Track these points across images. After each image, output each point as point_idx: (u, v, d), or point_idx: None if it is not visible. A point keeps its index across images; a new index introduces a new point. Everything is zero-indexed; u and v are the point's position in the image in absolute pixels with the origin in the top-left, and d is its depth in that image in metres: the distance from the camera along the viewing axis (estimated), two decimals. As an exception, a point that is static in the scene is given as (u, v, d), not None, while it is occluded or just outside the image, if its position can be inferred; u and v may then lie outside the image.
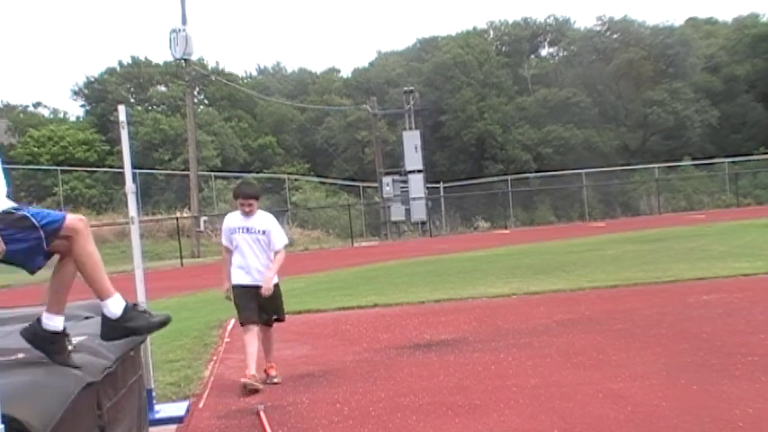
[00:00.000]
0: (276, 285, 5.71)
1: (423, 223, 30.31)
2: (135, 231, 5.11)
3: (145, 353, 4.71)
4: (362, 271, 15.22)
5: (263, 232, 5.62)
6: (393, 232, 30.19)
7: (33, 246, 2.83)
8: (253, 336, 5.60)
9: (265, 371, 5.66)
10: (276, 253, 5.70)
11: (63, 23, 72.32)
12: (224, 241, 5.78)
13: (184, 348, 7.16)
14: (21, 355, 2.93)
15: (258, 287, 5.53)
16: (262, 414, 4.74)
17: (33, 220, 2.79)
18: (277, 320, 5.89)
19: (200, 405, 5.23)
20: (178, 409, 5.01)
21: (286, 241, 5.80)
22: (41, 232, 2.81)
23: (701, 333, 6.20)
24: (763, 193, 33.10)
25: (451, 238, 27.22)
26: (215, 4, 78.84)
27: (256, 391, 5.31)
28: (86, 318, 3.96)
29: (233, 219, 5.70)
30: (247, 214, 5.62)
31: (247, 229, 5.61)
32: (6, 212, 2.78)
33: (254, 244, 5.62)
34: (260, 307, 5.61)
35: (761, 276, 9.31)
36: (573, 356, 5.71)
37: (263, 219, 5.68)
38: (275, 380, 5.59)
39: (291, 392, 5.34)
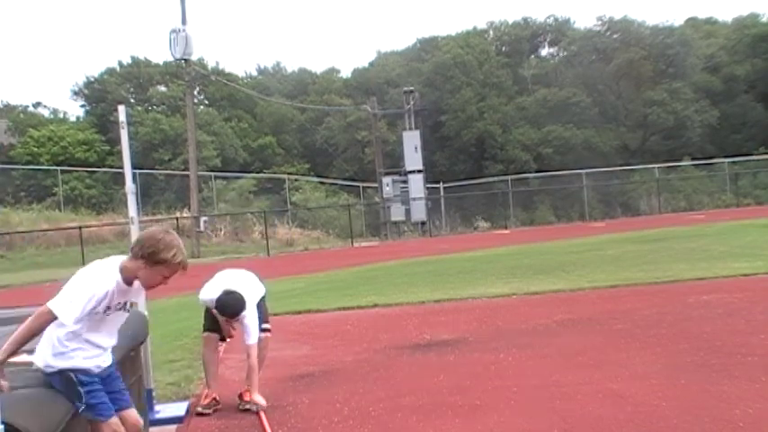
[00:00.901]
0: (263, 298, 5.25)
1: (423, 223, 30.30)
2: (135, 231, 5.10)
3: (145, 353, 4.71)
4: (362, 271, 15.22)
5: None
6: (393, 232, 30.18)
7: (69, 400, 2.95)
8: (210, 349, 5.15)
9: (240, 395, 5.11)
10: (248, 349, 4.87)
11: (63, 23, 72.39)
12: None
13: (184, 348, 7.15)
14: (25, 356, 2.93)
15: None
16: (262, 414, 4.74)
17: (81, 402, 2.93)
18: (265, 330, 5.21)
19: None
20: (178, 409, 5.01)
21: (253, 340, 4.88)
22: (83, 406, 2.94)
23: (701, 333, 6.20)
24: (763, 193, 33.08)
25: (451, 238, 27.22)
26: (215, 4, 78.89)
27: (207, 414, 4.88)
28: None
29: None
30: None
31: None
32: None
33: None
34: None
35: (761, 276, 9.31)
36: (573, 356, 5.71)
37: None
38: (247, 406, 4.91)
39: (291, 392, 5.34)
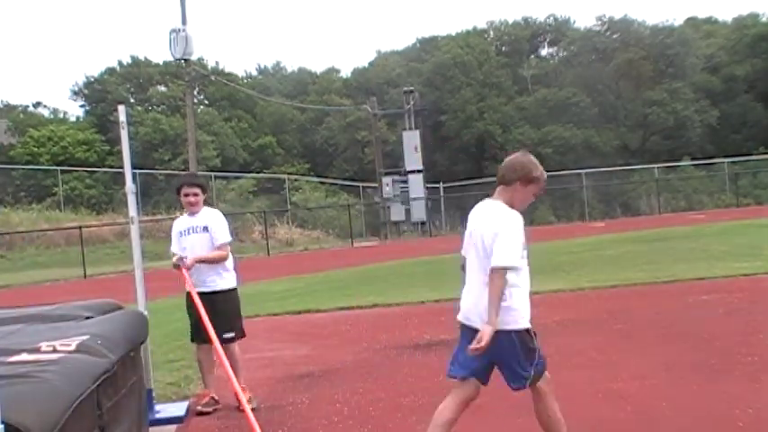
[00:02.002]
0: (227, 292, 5.09)
1: (422, 223, 30.29)
2: (135, 231, 5.11)
3: (145, 353, 4.70)
4: (362, 271, 15.22)
5: (205, 228, 5.08)
6: (393, 232, 30.17)
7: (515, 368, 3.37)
8: (202, 354, 5.16)
9: (235, 394, 4.87)
10: (217, 248, 5.08)
11: (63, 23, 72.38)
12: (173, 248, 5.20)
13: (184, 348, 7.15)
14: (24, 356, 2.93)
15: (208, 294, 4.98)
16: (248, 409, 4.64)
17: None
18: (228, 340, 5.00)
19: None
20: (178, 409, 5.01)
21: (227, 239, 5.14)
22: (531, 369, 3.35)
23: (701, 333, 6.20)
24: (763, 193, 33.05)
25: (451, 238, 27.20)
26: (215, 4, 78.90)
27: (207, 413, 4.91)
28: (87, 318, 3.96)
29: (179, 222, 5.23)
30: (192, 211, 5.12)
31: (192, 229, 5.11)
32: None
33: (199, 244, 5.07)
34: (210, 320, 4.87)
35: (761, 276, 9.30)
36: (573, 356, 5.70)
37: (207, 215, 5.17)
38: (251, 405, 4.70)
39: (291, 392, 5.34)
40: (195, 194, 5.10)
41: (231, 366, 4.84)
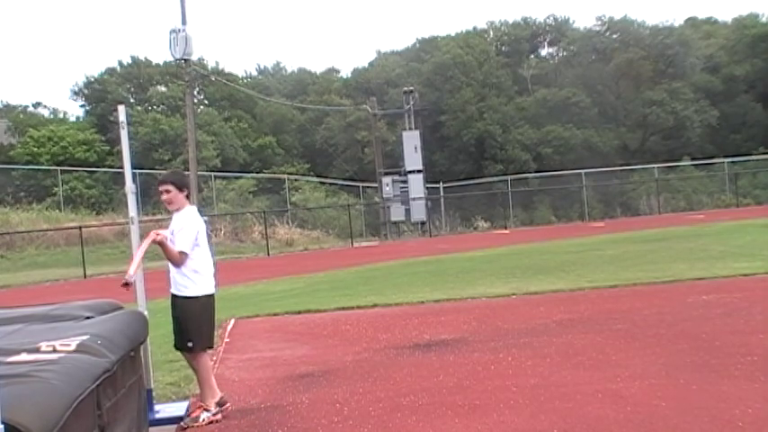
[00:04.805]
0: (185, 300, 4.83)
1: (422, 223, 30.29)
2: (135, 231, 5.11)
3: (145, 353, 4.71)
4: (362, 271, 15.22)
5: (172, 232, 4.83)
6: (393, 232, 30.17)
7: None
8: (188, 360, 5.11)
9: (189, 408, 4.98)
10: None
11: (63, 23, 72.29)
12: None
13: (184, 348, 7.15)
14: (24, 356, 2.93)
15: (175, 297, 4.91)
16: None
17: None
18: (188, 348, 4.90)
19: (201, 405, 5.21)
20: (178, 409, 5.01)
21: (183, 248, 4.75)
22: None
23: (700, 333, 6.21)
24: (763, 193, 33.06)
25: (451, 238, 27.22)
26: (215, 4, 78.88)
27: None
28: (87, 318, 3.97)
29: None
30: (169, 209, 4.91)
31: (169, 227, 4.95)
32: None
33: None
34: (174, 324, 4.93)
35: (760, 276, 9.31)
36: (573, 356, 5.71)
37: (179, 219, 4.87)
38: (191, 422, 4.73)
39: (291, 392, 5.34)
40: (167, 191, 4.84)
41: (198, 377, 4.90)
